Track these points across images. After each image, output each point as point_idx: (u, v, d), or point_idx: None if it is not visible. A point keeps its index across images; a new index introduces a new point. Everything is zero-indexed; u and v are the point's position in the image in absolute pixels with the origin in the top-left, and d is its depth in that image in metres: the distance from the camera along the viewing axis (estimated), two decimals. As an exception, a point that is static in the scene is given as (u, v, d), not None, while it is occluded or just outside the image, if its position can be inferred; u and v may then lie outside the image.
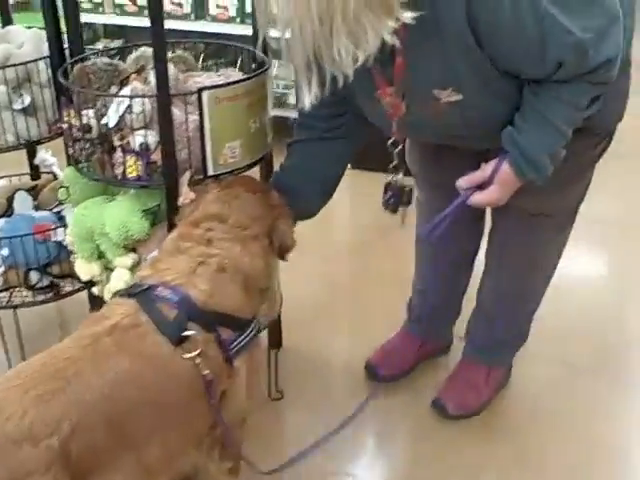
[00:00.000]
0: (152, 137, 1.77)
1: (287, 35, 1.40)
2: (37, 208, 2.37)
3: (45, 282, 2.27)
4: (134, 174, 1.80)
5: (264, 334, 2.22)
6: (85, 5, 3.75)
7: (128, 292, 1.51)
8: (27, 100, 2.05)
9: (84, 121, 1.83)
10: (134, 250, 1.94)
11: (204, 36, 3.52)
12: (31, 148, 2.42)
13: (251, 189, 1.73)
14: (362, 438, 2.21)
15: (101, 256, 2.01)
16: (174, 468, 1.50)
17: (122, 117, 1.76)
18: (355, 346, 2.58)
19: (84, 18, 3.80)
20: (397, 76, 1.62)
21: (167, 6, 3.63)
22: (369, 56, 1.42)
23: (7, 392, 1.28)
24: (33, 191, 2.40)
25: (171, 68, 1.83)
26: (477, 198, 1.71)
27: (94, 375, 1.33)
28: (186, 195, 1.73)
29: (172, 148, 1.76)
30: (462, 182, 1.72)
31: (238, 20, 3.56)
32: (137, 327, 1.42)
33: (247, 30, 2.92)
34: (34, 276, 2.25)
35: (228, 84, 1.77)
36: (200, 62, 3.68)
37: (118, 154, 1.80)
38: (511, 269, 2.15)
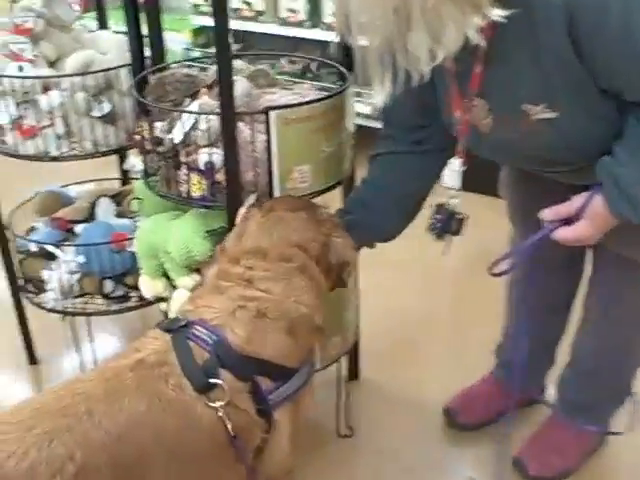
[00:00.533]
0: (218, 156, 1.67)
1: (361, 31, 1.31)
2: (120, 215, 2.35)
3: (120, 292, 2.24)
4: (198, 193, 1.71)
5: (333, 365, 2.08)
6: (203, 8, 3.73)
7: (166, 326, 1.41)
8: (107, 108, 2.00)
9: (155, 134, 1.75)
10: (198, 271, 1.86)
11: (319, 45, 3.44)
12: (120, 154, 2.40)
13: (294, 207, 1.57)
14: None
15: (166, 274, 1.94)
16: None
17: (188, 133, 1.67)
18: (441, 386, 2.38)
19: (201, 21, 3.83)
20: (472, 88, 1.46)
21: (282, 12, 3.55)
22: (449, 54, 1.29)
23: (10, 427, 1.19)
24: (118, 197, 2.38)
25: (244, 83, 1.73)
26: (562, 233, 1.52)
27: (106, 414, 1.23)
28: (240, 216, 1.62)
29: (236, 169, 1.65)
30: (547, 213, 1.54)
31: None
32: (162, 366, 1.30)
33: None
34: (109, 285, 2.22)
35: (298, 104, 1.64)
36: (314, 71, 3.64)
37: (183, 171, 1.71)
38: (611, 320, 1.91)
